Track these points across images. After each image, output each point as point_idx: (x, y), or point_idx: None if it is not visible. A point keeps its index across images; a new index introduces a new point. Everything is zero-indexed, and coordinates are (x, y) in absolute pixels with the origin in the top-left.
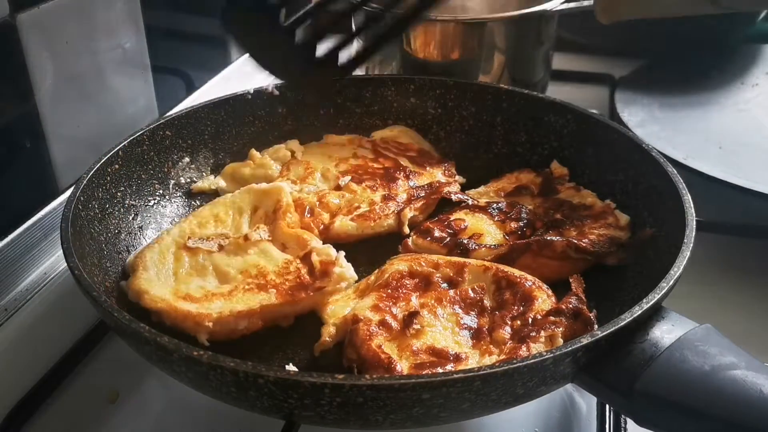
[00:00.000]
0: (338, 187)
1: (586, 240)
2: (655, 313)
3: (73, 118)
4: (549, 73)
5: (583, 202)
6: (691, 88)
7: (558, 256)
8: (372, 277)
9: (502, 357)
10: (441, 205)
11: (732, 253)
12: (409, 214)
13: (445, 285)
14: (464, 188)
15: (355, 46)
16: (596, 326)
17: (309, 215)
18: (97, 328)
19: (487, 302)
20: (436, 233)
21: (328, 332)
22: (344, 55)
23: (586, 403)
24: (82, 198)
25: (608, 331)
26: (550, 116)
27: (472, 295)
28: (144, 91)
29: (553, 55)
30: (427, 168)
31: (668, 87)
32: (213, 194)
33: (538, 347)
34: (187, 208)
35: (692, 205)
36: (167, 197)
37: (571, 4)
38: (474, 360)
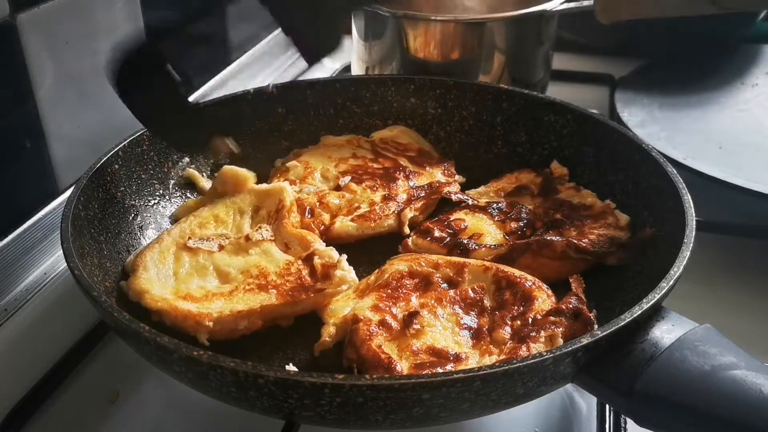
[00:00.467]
0: (338, 188)
1: (586, 240)
2: (655, 313)
3: (73, 118)
4: (549, 73)
5: (583, 202)
6: (691, 88)
7: (558, 256)
8: (372, 277)
9: (502, 357)
10: (441, 205)
11: (732, 253)
12: (409, 214)
13: (445, 285)
14: (464, 188)
15: None
16: (596, 326)
17: (309, 216)
18: (97, 328)
19: (487, 302)
20: (436, 233)
21: (328, 332)
22: None
23: (586, 403)
24: (82, 198)
25: (608, 331)
26: (550, 116)
27: (472, 295)
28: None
29: (553, 55)
30: (427, 168)
31: (668, 87)
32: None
33: (538, 347)
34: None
35: (692, 205)
36: (167, 197)
37: (571, 4)
38: (474, 360)
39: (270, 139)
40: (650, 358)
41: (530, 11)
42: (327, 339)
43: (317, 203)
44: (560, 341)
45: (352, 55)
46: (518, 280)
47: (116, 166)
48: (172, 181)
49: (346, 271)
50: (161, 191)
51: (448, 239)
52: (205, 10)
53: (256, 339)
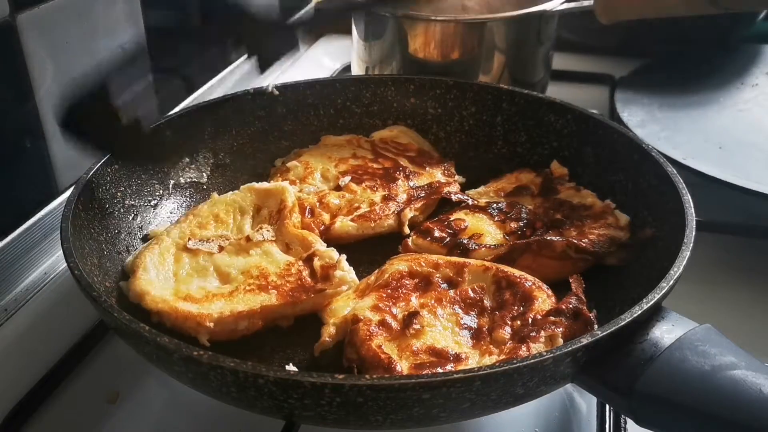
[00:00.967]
0: (338, 188)
1: (586, 240)
2: (655, 313)
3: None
4: (549, 73)
5: (583, 202)
6: (691, 88)
7: (558, 256)
8: (372, 277)
9: (502, 357)
10: (441, 205)
11: (732, 253)
12: (409, 214)
13: (445, 285)
14: (464, 188)
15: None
16: (596, 326)
17: (309, 216)
18: (97, 328)
19: (487, 302)
20: (436, 233)
21: (328, 332)
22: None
23: (586, 403)
24: (82, 198)
25: (608, 331)
26: (550, 116)
27: (472, 295)
28: (144, 91)
29: (553, 55)
30: (427, 168)
31: (668, 87)
32: (207, 188)
33: (538, 347)
34: (187, 208)
35: (692, 205)
36: (167, 197)
37: (571, 4)
38: (474, 360)
39: (270, 139)
40: (650, 358)
41: (530, 11)
42: (327, 339)
43: (317, 203)
44: (560, 341)
45: (352, 55)
46: (518, 280)
47: (116, 166)
48: (172, 181)
49: (346, 271)
50: (161, 191)
51: (448, 239)
52: (205, 10)
53: (256, 339)
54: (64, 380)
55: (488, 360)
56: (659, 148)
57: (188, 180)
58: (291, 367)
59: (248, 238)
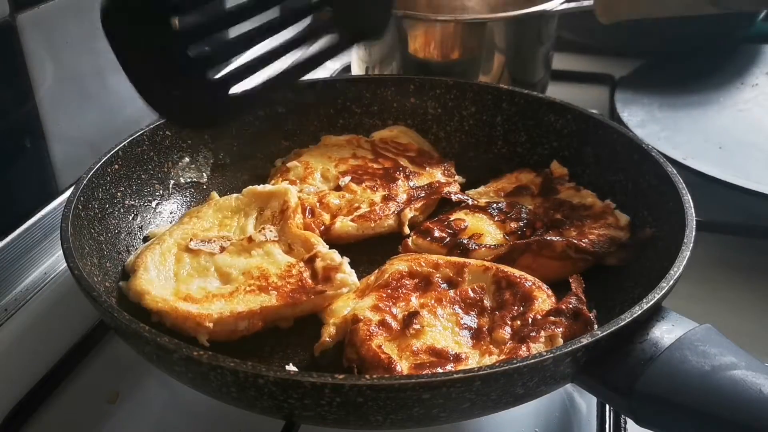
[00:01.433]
0: (338, 188)
1: (586, 240)
2: (655, 313)
3: (73, 118)
4: (549, 73)
5: (583, 202)
6: (691, 88)
7: (558, 256)
8: (372, 277)
9: (502, 357)
10: (441, 205)
11: (732, 253)
12: (409, 214)
13: (445, 285)
14: (464, 188)
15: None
16: (596, 326)
17: (310, 216)
18: (97, 328)
19: (487, 302)
20: (436, 233)
21: (328, 332)
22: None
23: (586, 403)
24: (82, 198)
25: (608, 331)
26: (550, 116)
27: (472, 295)
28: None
29: (553, 55)
30: (427, 168)
31: (668, 87)
32: (207, 188)
33: (538, 347)
34: (187, 208)
35: (692, 205)
36: (167, 197)
37: (571, 4)
38: (474, 360)
39: (270, 139)
40: (650, 358)
41: (530, 11)
42: (327, 339)
43: (317, 203)
44: (560, 341)
45: (352, 55)
46: (518, 280)
47: (116, 166)
48: (172, 181)
49: (347, 274)
50: (161, 191)
51: (448, 239)
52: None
53: (256, 339)
54: (64, 380)
55: (488, 360)
56: (659, 148)
57: (188, 180)
58: (291, 367)
59: (250, 239)
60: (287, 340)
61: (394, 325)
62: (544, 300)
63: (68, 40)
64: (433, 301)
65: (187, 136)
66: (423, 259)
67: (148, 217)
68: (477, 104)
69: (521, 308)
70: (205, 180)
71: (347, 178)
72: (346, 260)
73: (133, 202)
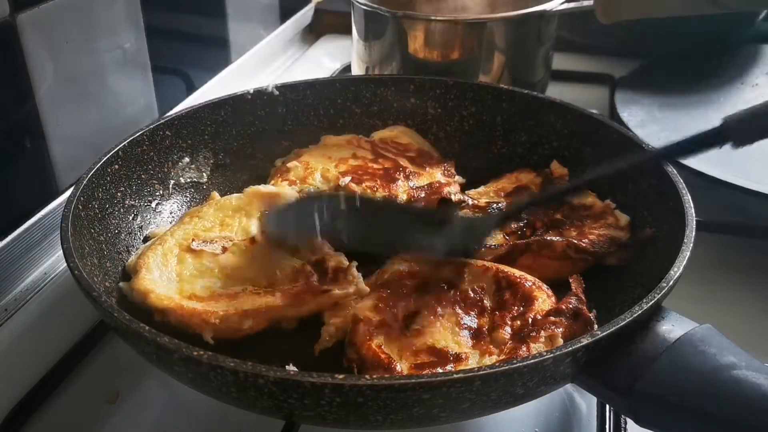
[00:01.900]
0: (338, 188)
1: (586, 240)
2: (655, 313)
3: (73, 118)
4: (549, 73)
5: (583, 202)
6: (691, 88)
7: (558, 256)
8: (373, 278)
9: (502, 357)
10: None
11: (732, 253)
12: None
13: (444, 285)
14: (464, 188)
15: None
16: (596, 326)
17: None
18: (97, 328)
19: (487, 302)
20: None
21: (328, 332)
22: None
23: (586, 403)
24: (82, 198)
25: (608, 331)
26: (550, 116)
27: (472, 295)
28: (144, 91)
29: (553, 55)
30: (427, 168)
31: (668, 87)
32: (207, 188)
33: (538, 347)
34: (188, 208)
35: (692, 205)
36: (167, 197)
37: (571, 4)
38: (474, 360)
39: (270, 139)
40: (650, 358)
41: (530, 11)
42: (327, 339)
43: None
44: (560, 341)
45: (352, 55)
46: (518, 280)
47: (116, 166)
48: (172, 181)
49: (356, 277)
50: (161, 191)
51: None
52: (205, 10)
53: (256, 339)
54: (64, 380)
55: (488, 360)
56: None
57: (188, 180)
58: (291, 367)
59: (253, 240)
60: (287, 341)
61: (395, 325)
62: (544, 300)
63: (68, 40)
64: (433, 302)
65: (187, 135)
66: (423, 259)
67: (148, 217)
68: (477, 104)
69: (521, 308)
70: (205, 180)
71: (347, 179)
72: (354, 264)
73: (133, 202)
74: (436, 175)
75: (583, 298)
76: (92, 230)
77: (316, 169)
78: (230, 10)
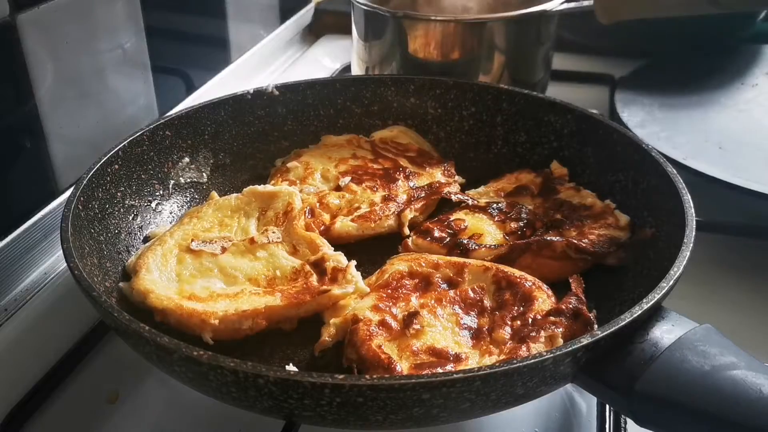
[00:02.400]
0: (338, 188)
1: (586, 240)
2: (655, 313)
3: (73, 118)
4: (549, 73)
5: (583, 203)
6: (691, 88)
7: (558, 256)
8: (373, 278)
9: (502, 357)
10: (441, 205)
11: (732, 253)
12: (409, 215)
13: (444, 285)
14: (464, 188)
15: None
16: (596, 326)
17: (309, 216)
18: (97, 328)
19: (487, 302)
20: (436, 233)
21: (328, 332)
22: None
23: (586, 403)
24: (82, 198)
25: (608, 331)
26: (550, 116)
27: (472, 295)
28: (144, 91)
29: (553, 55)
30: (427, 168)
31: (668, 87)
32: (207, 188)
33: (538, 347)
34: (188, 208)
35: (692, 205)
36: (167, 197)
37: (571, 4)
38: (474, 360)
39: (270, 139)
40: (650, 358)
41: (530, 11)
42: (327, 339)
43: (317, 203)
44: (560, 341)
45: (352, 55)
46: (518, 280)
47: (116, 166)
48: (172, 182)
49: (354, 276)
50: (161, 191)
51: (447, 239)
52: (205, 10)
53: (256, 339)
54: (64, 380)
55: (488, 360)
56: (659, 148)
57: (188, 180)
58: (291, 367)
59: (253, 240)
60: (287, 341)
61: (394, 325)
62: (544, 300)
63: (68, 40)
64: (433, 301)
65: (187, 135)
66: (423, 259)
67: (148, 217)
68: (477, 104)
69: (521, 308)
70: (205, 180)
71: (347, 179)
72: (353, 263)
73: (133, 202)
74: (436, 174)
75: (583, 298)
76: (92, 230)
77: (316, 170)
78: (230, 10)
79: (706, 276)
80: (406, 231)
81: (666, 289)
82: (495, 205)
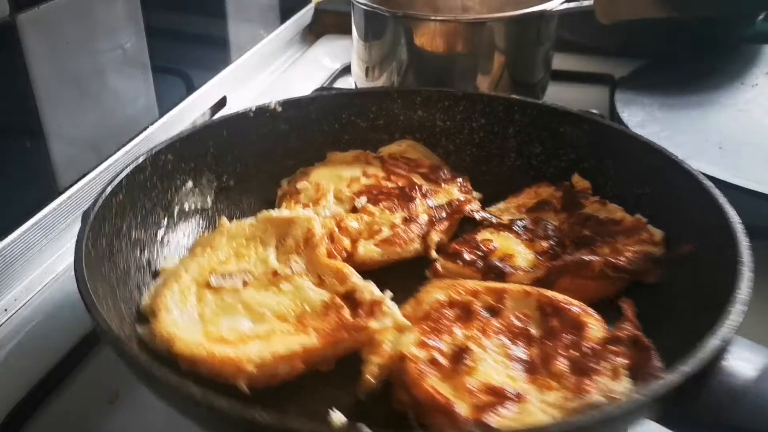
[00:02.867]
0: (354, 209)
1: (623, 258)
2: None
3: (73, 118)
4: (549, 73)
5: (612, 217)
6: (691, 88)
7: (596, 276)
8: (408, 308)
9: (564, 392)
10: (461, 223)
11: None
12: (435, 237)
13: (486, 313)
14: (481, 204)
15: None
16: (654, 354)
17: (329, 242)
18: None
19: (533, 331)
20: (466, 256)
21: (372, 372)
22: None
23: None
24: (91, 234)
25: (694, 366)
26: (565, 126)
27: (517, 323)
28: (144, 91)
29: (553, 55)
30: (443, 185)
31: (668, 87)
32: (212, 215)
33: (604, 381)
34: (195, 237)
35: (739, 219)
36: (173, 227)
37: (571, 4)
38: (534, 396)
39: (274, 158)
40: (735, 390)
41: (530, 11)
42: (371, 380)
43: (336, 228)
44: (623, 373)
45: (352, 55)
46: (563, 305)
47: (120, 196)
48: (177, 208)
49: (390, 308)
50: (166, 221)
51: (479, 262)
52: (206, 10)
53: (289, 384)
54: (64, 380)
55: (550, 396)
56: None
57: (193, 206)
58: (338, 415)
59: (276, 273)
60: (325, 381)
61: (444, 361)
62: (595, 326)
63: (68, 40)
64: (478, 333)
65: (190, 158)
66: (460, 286)
67: (155, 249)
68: (487, 116)
69: (573, 336)
70: (209, 205)
71: (363, 199)
72: (388, 294)
73: (139, 235)
74: (453, 191)
75: (637, 323)
76: (102, 269)
77: (328, 190)
78: (230, 10)
79: None
80: (434, 254)
81: (742, 314)
82: (519, 222)
